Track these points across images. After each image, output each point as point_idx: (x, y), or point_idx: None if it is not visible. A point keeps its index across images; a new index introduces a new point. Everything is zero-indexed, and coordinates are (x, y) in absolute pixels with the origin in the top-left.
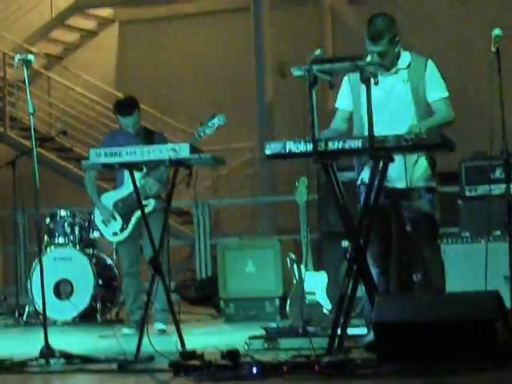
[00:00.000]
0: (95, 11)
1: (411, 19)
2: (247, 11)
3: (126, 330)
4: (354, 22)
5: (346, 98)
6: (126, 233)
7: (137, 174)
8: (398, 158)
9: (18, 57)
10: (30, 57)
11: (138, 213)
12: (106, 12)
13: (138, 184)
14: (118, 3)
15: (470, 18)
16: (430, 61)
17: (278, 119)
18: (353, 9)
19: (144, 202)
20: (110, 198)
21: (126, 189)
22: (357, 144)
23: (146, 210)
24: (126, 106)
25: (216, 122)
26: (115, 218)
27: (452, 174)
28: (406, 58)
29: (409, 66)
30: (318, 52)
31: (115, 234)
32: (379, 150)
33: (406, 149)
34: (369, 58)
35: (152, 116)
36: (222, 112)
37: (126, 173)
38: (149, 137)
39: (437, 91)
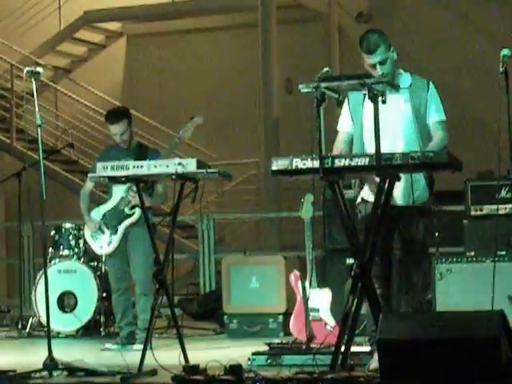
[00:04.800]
0: (103, 25)
1: (419, 38)
2: (255, 27)
3: (108, 345)
4: None
5: (347, 120)
6: (113, 245)
7: (122, 186)
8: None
9: (26, 69)
10: (39, 69)
11: (124, 224)
12: (114, 25)
13: (123, 194)
14: (126, 17)
15: (479, 39)
16: (431, 83)
17: (283, 135)
18: (360, 26)
19: (129, 212)
20: (99, 212)
21: (113, 201)
22: (363, 161)
23: (131, 220)
24: (114, 114)
25: (193, 123)
26: (103, 231)
27: (457, 192)
28: (406, 78)
29: (410, 86)
30: (325, 70)
31: (102, 246)
32: (386, 168)
33: (414, 167)
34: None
35: (158, 129)
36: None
37: (114, 186)
38: (142, 153)
39: (436, 113)
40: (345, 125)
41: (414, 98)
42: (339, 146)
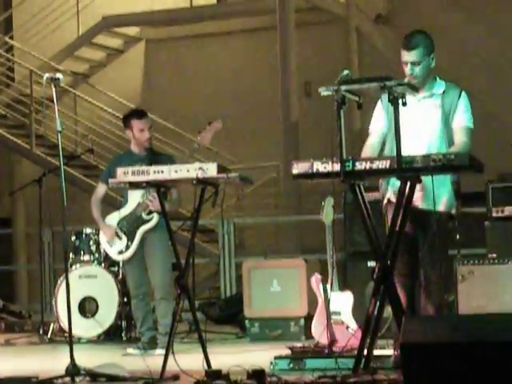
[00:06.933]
0: (121, 29)
1: (439, 42)
2: (273, 30)
3: (130, 350)
4: (380, 41)
5: (379, 120)
6: (131, 250)
7: (138, 191)
8: (424, 180)
9: (46, 75)
10: (59, 76)
11: (141, 229)
12: (132, 30)
13: (140, 200)
14: (144, 22)
15: (499, 42)
16: (464, 92)
17: (303, 138)
18: (379, 29)
19: (147, 217)
20: (114, 218)
21: (129, 207)
22: (384, 164)
23: (150, 225)
24: (141, 110)
25: (212, 128)
26: (120, 237)
27: (478, 194)
28: (441, 85)
29: (443, 92)
30: (345, 72)
31: (120, 252)
32: (407, 171)
33: (435, 169)
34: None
35: (177, 134)
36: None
37: (129, 192)
38: (154, 159)
39: (462, 119)
40: (378, 125)
41: (445, 105)
42: (368, 151)
